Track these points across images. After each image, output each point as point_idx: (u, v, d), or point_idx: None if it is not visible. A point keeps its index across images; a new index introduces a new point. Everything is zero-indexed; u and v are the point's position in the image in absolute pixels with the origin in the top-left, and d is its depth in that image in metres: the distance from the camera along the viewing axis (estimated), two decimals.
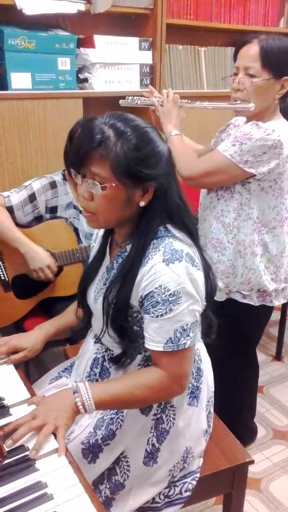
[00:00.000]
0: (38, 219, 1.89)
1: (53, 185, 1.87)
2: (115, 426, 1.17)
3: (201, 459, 1.29)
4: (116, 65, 2.32)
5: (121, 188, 1.04)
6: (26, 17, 2.01)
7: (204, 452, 1.31)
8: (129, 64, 2.37)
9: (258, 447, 2.00)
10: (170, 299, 1.04)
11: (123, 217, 1.10)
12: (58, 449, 0.96)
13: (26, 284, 1.90)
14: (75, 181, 1.09)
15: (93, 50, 2.22)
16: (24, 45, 2.02)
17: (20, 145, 2.10)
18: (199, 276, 1.09)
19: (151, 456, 1.18)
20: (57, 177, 1.90)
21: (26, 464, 0.93)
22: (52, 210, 1.89)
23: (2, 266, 1.88)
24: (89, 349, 1.28)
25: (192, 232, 1.14)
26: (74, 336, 1.63)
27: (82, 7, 2.13)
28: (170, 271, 1.04)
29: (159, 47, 2.40)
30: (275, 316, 2.66)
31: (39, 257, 1.81)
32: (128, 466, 1.18)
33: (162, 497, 1.21)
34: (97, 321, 1.22)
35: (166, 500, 1.22)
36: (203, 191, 1.74)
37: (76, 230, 1.92)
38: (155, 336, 1.07)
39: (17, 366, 1.26)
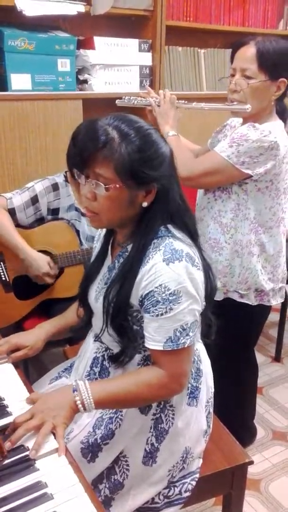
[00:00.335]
0: (40, 220, 1.89)
1: (55, 187, 1.88)
2: (114, 425, 1.17)
3: (201, 460, 1.29)
4: (116, 66, 2.33)
5: (124, 189, 1.05)
6: (26, 18, 2.01)
7: (204, 452, 1.31)
8: (129, 66, 2.37)
9: (258, 448, 2.00)
10: (170, 298, 1.04)
11: (125, 217, 1.11)
12: (58, 448, 0.96)
13: (27, 285, 1.90)
14: (79, 181, 1.09)
15: (93, 52, 2.23)
16: (24, 46, 2.03)
17: (20, 146, 2.11)
18: (199, 276, 1.09)
19: (150, 456, 1.18)
20: (59, 179, 1.90)
21: (26, 464, 0.93)
22: (54, 212, 1.90)
23: (3, 267, 1.89)
24: (89, 349, 1.28)
25: (192, 232, 1.15)
26: (74, 335, 1.63)
27: (82, 8, 2.13)
28: (170, 270, 1.04)
29: (159, 49, 2.41)
30: (275, 317, 2.67)
31: (37, 264, 1.81)
32: (128, 465, 1.18)
33: (161, 497, 1.21)
34: (98, 320, 1.22)
35: (166, 500, 1.22)
36: (200, 192, 1.75)
37: (77, 232, 1.92)
38: (155, 335, 1.07)
39: (16, 366, 1.26)
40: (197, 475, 1.26)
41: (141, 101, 1.70)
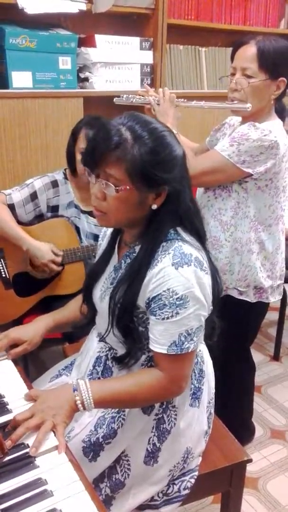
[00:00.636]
0: (39, 217, 1.90)
1: (54, 184, 1.88)
2: (117, 425, 1.18)
3: (200, 458, 1.30)
4: (117, 64, 2.33)
5: (135, 191, 1.04)
6: (28, 16, 2.01)
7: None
8: (130, 64, 2.37)
9: (256, 446, 2.01)
10: (177, 302, 1.04)
11: (134, 218, 1.10)
12: (58, 446, 0.97)
13: (27, 282, 1.90)
14: (89, 179, 1.08)
15: (94, 50, 2.23)
16: (25, 44, 2.03)
17: (20, 143, 2.11)
18: (207, 280, 1.09)
19: (152, 456, 1.19)
20: (59, 176, 1.90)
21: (26, 461, 0.94)
22: (54, 209, 1.90)
23: (3, 264, 1.89)
24: (92, 347, 1.27)
25: (201, 236, 1.14)
26: (75, 331, 1.63)
27: (83, 6, 2.13)
28: (179, 275, 1.04)
29: (160, 47, 2.41)
30: (273, 316, 2.68)
31: (41, 253, 1.82)
32: (129, 465, 1.19)
33: (160, 495, 1.22)
34: (102, 320, 1.22)
35: (165, 498, 1.22)
36: (200, 190, 1.76)
37: (77, 229, 1.93)
38: (159, 338, 1.07)
39: (16, 363, 1.27)
40: (196, 473, 1.26)
41: (139, 100, 1.69)
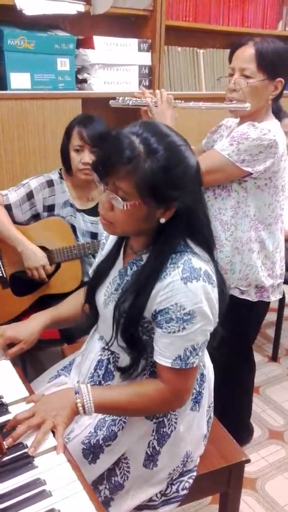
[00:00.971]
0: (36, 217, 1.91)
1: (50, 183, 1.89)
2: (117, 427, 1.17)
3: (198, 459, 1.30)
4: (115, 66, 2.33)
5: (143, 205, 1.01)
6: (26, 17, 2.01)
7: None
8: (128, 65, 2.38)
9: (254, 447, 2.01)
10: (185, 318, 1.03)
11: (141, 229, 1.09)
12: (56, 446, 0.97)
13: (24, 281, 1.91)
14: (98, 186, 1.06)
15: (92, 51, 2.23)
16: (24, 46, 2.03)
17: (19, 144, 2.11)
18: (215, 293, 1.08)
19: (151, 459, 1.19)
20: (54, 176, 1.92)
21: (24, 461, 0.94)
22: (50, 209, 1.91)
23: (0, 263, 1.89)
24: (93, 350, 1.26)
25: (211, 248, 1.12)
26: (74, 331, 1.63)
27: (81, 8, 2.13)
28: (187, 290, 1.02)
29: (158, 49, 2.41)
30: (272, 317, 2.68)
31: (35, 257, 1.83)
32: (128, 467, 1.18)
33: (159, 495, 1.21)
34: (106, 326, 1.20)
35: (163, 498, 1.22)
36: None
37: (73, 228, 1.94)
38: (164, 351, 1.06)
39: (15, 363, 1.26)
40: (194, 473, 1.26)
41: (136, 102, 1.69)
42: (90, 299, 1.25)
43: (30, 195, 1.86)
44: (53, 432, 1.00)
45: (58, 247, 1.90)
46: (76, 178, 1.88)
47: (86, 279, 1.92)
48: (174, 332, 1.04)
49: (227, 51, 2.68)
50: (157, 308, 1.06)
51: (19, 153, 2.12)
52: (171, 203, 1.02)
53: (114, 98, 1.69)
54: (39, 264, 1.83)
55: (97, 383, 1.22)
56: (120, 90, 2.33)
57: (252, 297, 1.71)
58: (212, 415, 1.34)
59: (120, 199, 1.01)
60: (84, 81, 2.29)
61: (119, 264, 1.20)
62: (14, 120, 2.07)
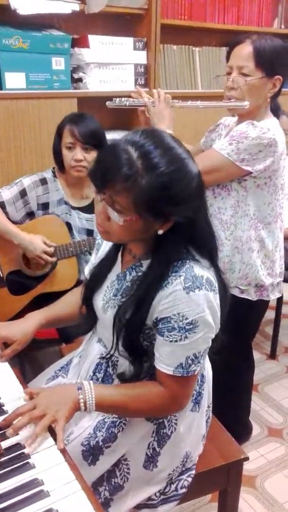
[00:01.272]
0: (30, 215, 1.91)
1: (43, 181, 1.90)
2: (117, 429, 1.17)
3: (197, 458, 1.30)
4: (111, 65, 2.33)
5: (139, 220, 0.99)
6: (20, 17, 2.01)
7: None
8: (124, 64, 2.37)
9: (253, 445, 2.01)
10: (187, 327, 1.02)
11: (138, 239, 1.08)
12: (57, 441, 0.96)
13: (21, 280, 1.91)
14: (95, 195, 1.04)
15: (87, 50, 2.23)
16: (18, 45, 2.02)
17: (14, 144, 2.11)
18: (217, 300, 1.07)
19: (151, 460, 1.18)
20: (47, 174, 1.93)
21: (22, 462, 0.93)
22: (44, 207, 1.91)
23: None
24: (92, 352, 1.24)
25: (213, 256, 1.10)
26: (72, 331, 1.63)
27: (76, 7, 2.13)
28: (190, 299, 1.01)
29: (154, 47, 2.41)
30: (270, 315, 2.68)
31: (33, 246, 1.83)
32: (128, 469, 1.18)
33: (158, 494, 1.21)
34: (105, 331, 1.19)
35: (162, 497, 1.22)
36: None
37: (69, 225, 1.94)
38: (165, 358, 1.06)
39: (13, 364, 1.26)
40: (193, 472, 1.26)
41: (133, 102, 1.68)
42: (88, 302, 1.24)
43: (23, 193, 1.86)
44: (51, 432, 0.99)
45: (54, 245, 1.89)
46: (69, 175, 1.88)
47: (82, 277, 1.92)
48: (176, 341, 1.03)
49: (223, 49, 2.72)
50: (159, 316, 1.05)
51: (14, 152, 2.12)
52: (169, 217, 1.00)
53: (110, 97, 1.68)
54: (39, 252, 1.84)
55: (100, 383, 1.20)
56: (115, 89, 2.33)
57: (251, 296, 1.71)
58: (210, 415, 1.34)
59: (116, 213, 0.99)
60: (80, 80, 2.29)
61: (117, 267, 1.18)
62: (9, 120, 2.06)
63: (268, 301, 1.78)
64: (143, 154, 0.95)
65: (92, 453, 1.16)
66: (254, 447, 2.00)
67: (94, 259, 1.30)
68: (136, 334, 1.09)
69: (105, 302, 1.17)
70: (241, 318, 1.73)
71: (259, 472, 1.89)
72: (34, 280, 1.92)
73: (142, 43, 2.39)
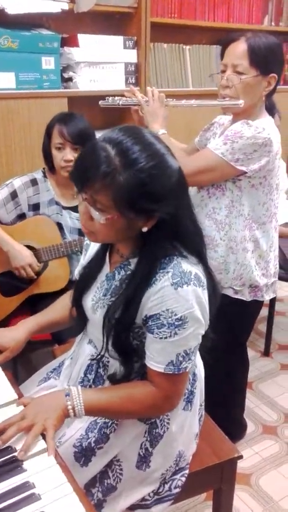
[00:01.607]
0: (21, 216, 1.90)
1: (34, 182, 1.89)
2: (109, 430, 1.16)
3: (191, 457, 1.30)
4: (101, 64, 2.32)
5: (121, 218, 0.99)
6: (9, 16, 1.99)
7: None
8: (114, 63, 2.36)
9: (248, 442, 2.02)
10: (176, 323, 1.02)
11: (123, 238, 1.07)
12: (47, 449, 0.96)
13: (11, 282, 1.90)
14: (76, 196, 1.04)
15: (77, 49, 2.22)
16: (7, 45, 2.01)
17: (4, 144, 2.09)
18: (205, 296, 1.06)
19: (144, 460, 1.18)
20: (38, 175, 1.92)
21: (13, 465, 0.93)
22: (35, 208, 1.91)
23: None
24: (83, 353, 1.24)
25: (200, 252, 1.10)
26: (64, 333, 1.62)
27: (65, 6, 2.12)
28: (178, 295, 1.01)
29: (144, 46, 2.40)
30: (263, 312, 2.67)
31: (21, 255, 1.83)
32: (121, 469, 1.18)
33: (151, 494, 1.21)
34: (96, 331, 1.18)
35: (156, 497, 1.22)
36: (193, 190, 1.75)
37: (60, 226, 1.93)
38: (156, 356, 1.05)
39: (4, 367, 1.25)
40: (187, 471, 1.26)
41: (126, 101, 1.66)
42: (78, 303, 1.23)
43: (14, 195, 1.85)
44: (43, 436, 0.99)
45: (46, 246, 1.89)
46: (59, 176, 1.88)
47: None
48: (166, 337, 1.03)
49: (214, 47, 2.72)
50: (148, 313, 1.05)
51: (5, 153, 2.10)
52: (151, 214, 1.00)
53: (100, 96, 1.67)
54: (25, 263, 1.83)
55: (88, 387, 1.20)
56: (106, 88, 2.32)
57: (246, 296, 1.70)
58: (203, 413, 1.34)
59: (97, 212, 0.99)
60: (70, 79, 2.28)
61: (106, 268, 1.18)
62: None
63: (262, 302, 1.77)
64: (121, 151, 0.95)
65: (84, 454, 1.16)
66: (248, 445, 2.00)
67: (83, 260, 1.29)
68: (125, 333, 1.09)
69: (95, 303, 1.17)
70: (235, 319, 1.73)
71: (254, 469, 1.89)
72: (25, 282, 1.91)
73: (132, 41, 2.39)
